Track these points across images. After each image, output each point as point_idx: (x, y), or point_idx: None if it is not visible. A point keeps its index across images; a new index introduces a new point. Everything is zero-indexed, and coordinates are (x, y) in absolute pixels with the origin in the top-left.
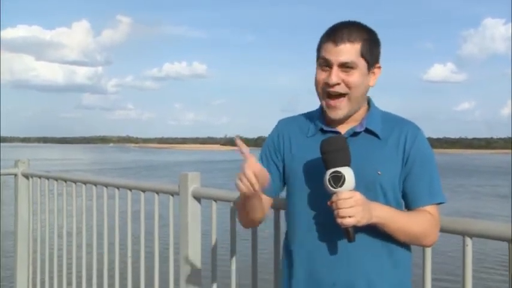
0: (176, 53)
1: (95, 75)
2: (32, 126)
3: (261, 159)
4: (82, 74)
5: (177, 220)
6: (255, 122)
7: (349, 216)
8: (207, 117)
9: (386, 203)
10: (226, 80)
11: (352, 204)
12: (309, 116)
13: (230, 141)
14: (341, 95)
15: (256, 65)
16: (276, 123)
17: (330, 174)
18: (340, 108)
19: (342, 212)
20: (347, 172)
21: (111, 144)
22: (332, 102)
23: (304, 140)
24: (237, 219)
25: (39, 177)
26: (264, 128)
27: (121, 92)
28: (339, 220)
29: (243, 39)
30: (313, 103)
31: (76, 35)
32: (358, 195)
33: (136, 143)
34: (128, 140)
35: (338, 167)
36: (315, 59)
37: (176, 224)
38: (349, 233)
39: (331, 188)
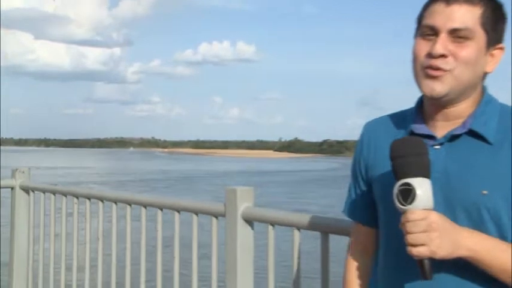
0: (216, 30)
1: (111, 59)
2: (29, 124)
3: (353, 181)
4: (94, 57)
5: (222, 250)
6: (319, 121)
7: (421, 245)
8: (255, 114)
9: (499, 234)
10: (280, 65)
11: (424, 229)
12: (402, 117)
13: (287, 147)
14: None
15: (319, 45)
16: (362, 128)
17: (399, 187)
18: (440, 80)
19: (411, 238)
20: (420, 184)
21: (132, 149)
22: (431, 71)
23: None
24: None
25: (43, 191)
26: (331, 130)
27: (144, 80)
28: (408, 249)
29: (301, 12)
30: (404, 98)
31: (86, 7)
32: (434, 217)
33: (165, 147)
34: (154, 143)
35: (409, 177)
36: (412, 35)
37: (221, 255)
38: (423, 268)
39: (399, 205)
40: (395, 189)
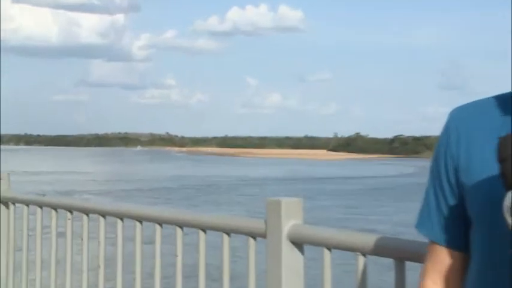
0: None
1: (112, 30)
2: (5, 115)
3: (433, 186)
4: (90, 26)
5: (262, 278)
6: (387, 110)
7: None
8: (302, 101)
9: None
10: (334, 37)
11: None
12: (502, 103)
13: (345, 145)
14: None
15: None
16: (447, 117)
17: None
18: None
19: None
20: None
21: (139, 148)
22: None
23: (494, 143)
24: None
25: (27, 203)
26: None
27: (155, 57)
28: None
29: None
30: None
31: None
32: None
33: (182, 145)
34: (168, 140)
35: None
36: None
37: (261, 285)
38: None
39: (509, 222)
40: (507, 201)
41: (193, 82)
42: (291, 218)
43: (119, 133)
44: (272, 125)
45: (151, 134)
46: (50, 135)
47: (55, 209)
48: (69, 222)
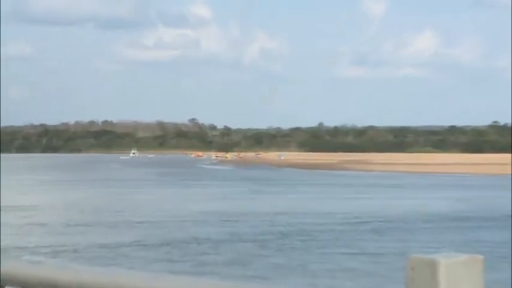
0: None
1: None
2: None
3: None
4: None
5: None
6: None
7: None
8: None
9: None
10: None
11: None
12: None
13: None
14: None
15: None
16: None
17: None
18: None
19: None
20: None
21: (134, 153)
22: None
23: None
24: None
25: None
26: None
27: None
28: None
29: None
30: None
31: None
32: None
33: (225, 150)
34: (195, 135)
35: None
36: None
37: None
38: None
39: None
40: None
41: (230, 16)
42: None
43: (90, 122)
44: (418, 106)
45: (160, 123)
46: None
47: None
48: None
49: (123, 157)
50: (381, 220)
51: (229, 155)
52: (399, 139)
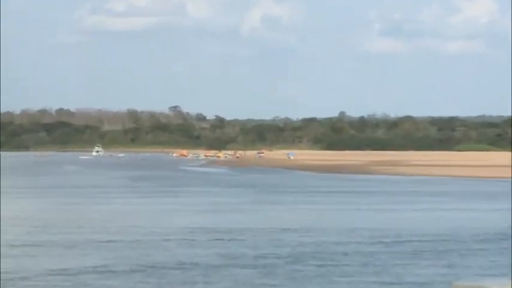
0: None
1: None
2: None
3: None
4: None
5: None
6: None
7: None
8: None
9: None
10: None
11: None
12: None
13: None
14: None
15: None
16: None
17: None
18: None
19: None
20: None
21: (99, 151)
22: None
23: None
24: None
25: None
26: None
27: None
28: None
29: None
30: None
31: None
32: None
33: (215, 146)
34: (181, 128)
35: None
36: None
37: None
38: None
39: None
40: None
41: None
42: None
43: (45, 111)
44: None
45: (133, 113)
46: None
47: None
48: None
49: (83, 156)
50: (422, 239)
51: (223, 154)
52: (444, 133)
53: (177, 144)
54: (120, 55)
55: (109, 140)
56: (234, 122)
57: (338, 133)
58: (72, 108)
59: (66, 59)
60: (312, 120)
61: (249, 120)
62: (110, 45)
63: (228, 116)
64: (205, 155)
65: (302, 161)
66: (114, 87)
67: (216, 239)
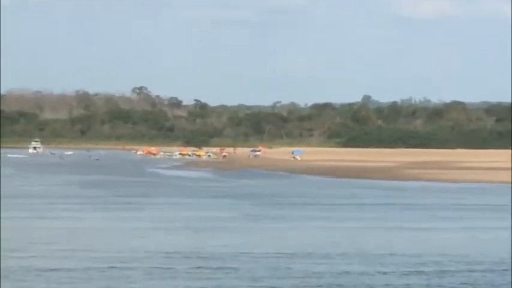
0: None
1: None
2: None
3: None
4: None
5: None
6: None
7: None
8: None
9: None
10: None
11: None
12: None
13: None
14: None
15: None
16: None
17: None
18: None
19: None
20: None
21: (37, 147)
22: None
23: None
24: None
25: None
26: None
27: None
28: None
29: None
30: None
31: None
32: None
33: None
34: (147, 116)
35: None
36: None
37: None
38: None
39: None
40: None
41: None
42: None
43: None
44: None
45: (83, 97)
46: None
47: None
48: None
49: (15, 155)
50: (475, 268)
51: (205, 152)
52: (505, 125)
53: (143, 139)
54: (63, 19)
55: (50, 132)
56: (220, 109)
57: (361, 124)
58: (2, 91)
59: None
60: (325, 106)
61: (240, 106)
62: (49, 7)
63: (212, 102)
64: (180, 154)
65: (312, 162)
66: (57, 62)
67: (199, 267)
